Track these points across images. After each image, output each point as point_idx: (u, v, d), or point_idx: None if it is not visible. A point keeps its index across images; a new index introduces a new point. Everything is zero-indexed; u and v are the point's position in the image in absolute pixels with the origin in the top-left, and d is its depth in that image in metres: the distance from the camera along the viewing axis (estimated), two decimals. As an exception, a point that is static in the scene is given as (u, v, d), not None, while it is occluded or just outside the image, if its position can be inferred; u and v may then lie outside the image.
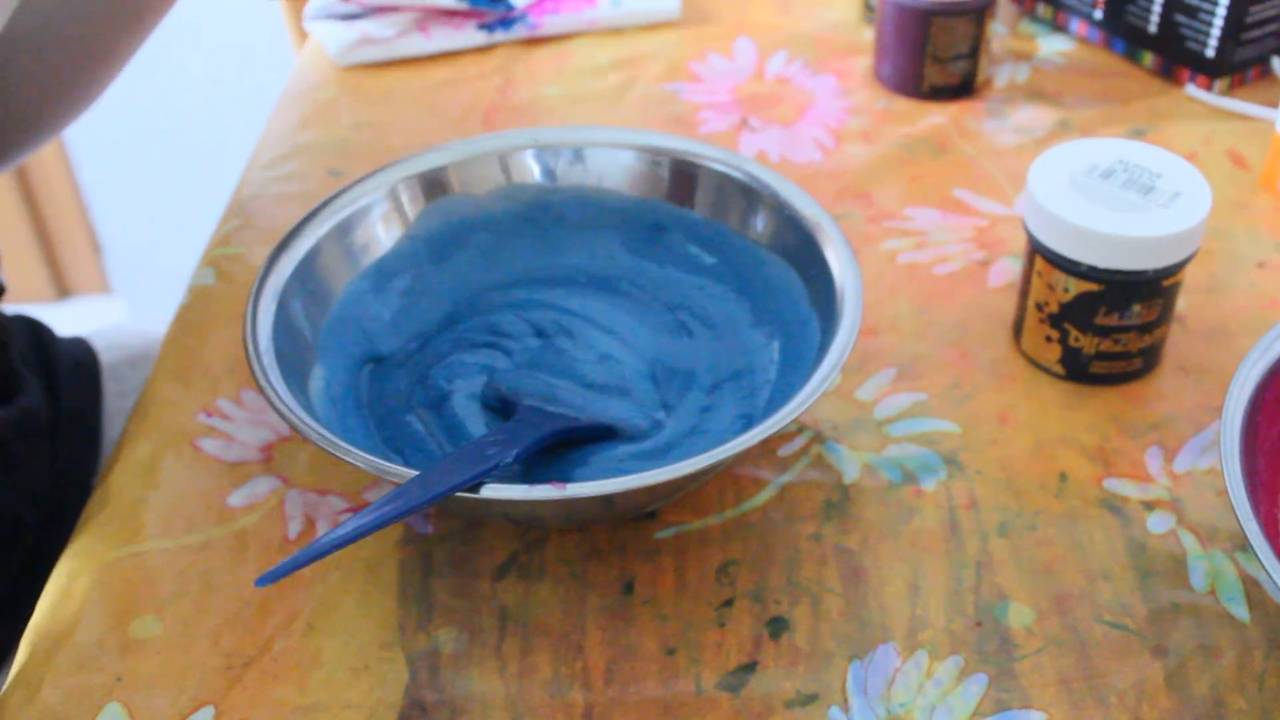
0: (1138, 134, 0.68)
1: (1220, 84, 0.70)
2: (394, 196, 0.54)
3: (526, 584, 0.46)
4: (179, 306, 0.59)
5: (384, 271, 0.54)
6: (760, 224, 0.53)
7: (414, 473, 0.41)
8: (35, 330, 0.70)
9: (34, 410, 0.62)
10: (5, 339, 0.63)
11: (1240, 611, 0.44)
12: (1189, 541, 0.47)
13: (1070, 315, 0.51)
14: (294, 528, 0.49)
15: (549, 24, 0.78)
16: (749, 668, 0.43)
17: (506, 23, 0.78)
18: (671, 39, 0.78)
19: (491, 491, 0.41)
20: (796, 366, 0.49)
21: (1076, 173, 0.51)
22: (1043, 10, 0.77)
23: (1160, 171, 0.51)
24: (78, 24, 0.60)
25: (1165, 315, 0.51)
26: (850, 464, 0.50)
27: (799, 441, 0.51)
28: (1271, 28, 0.69)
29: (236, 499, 0.50)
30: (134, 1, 0.60)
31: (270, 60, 1.20)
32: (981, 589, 0.45)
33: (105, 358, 0.72)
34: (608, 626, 0.45)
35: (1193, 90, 0.70)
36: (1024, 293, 0.53)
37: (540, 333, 0.53)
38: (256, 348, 0.46)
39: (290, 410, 0.44)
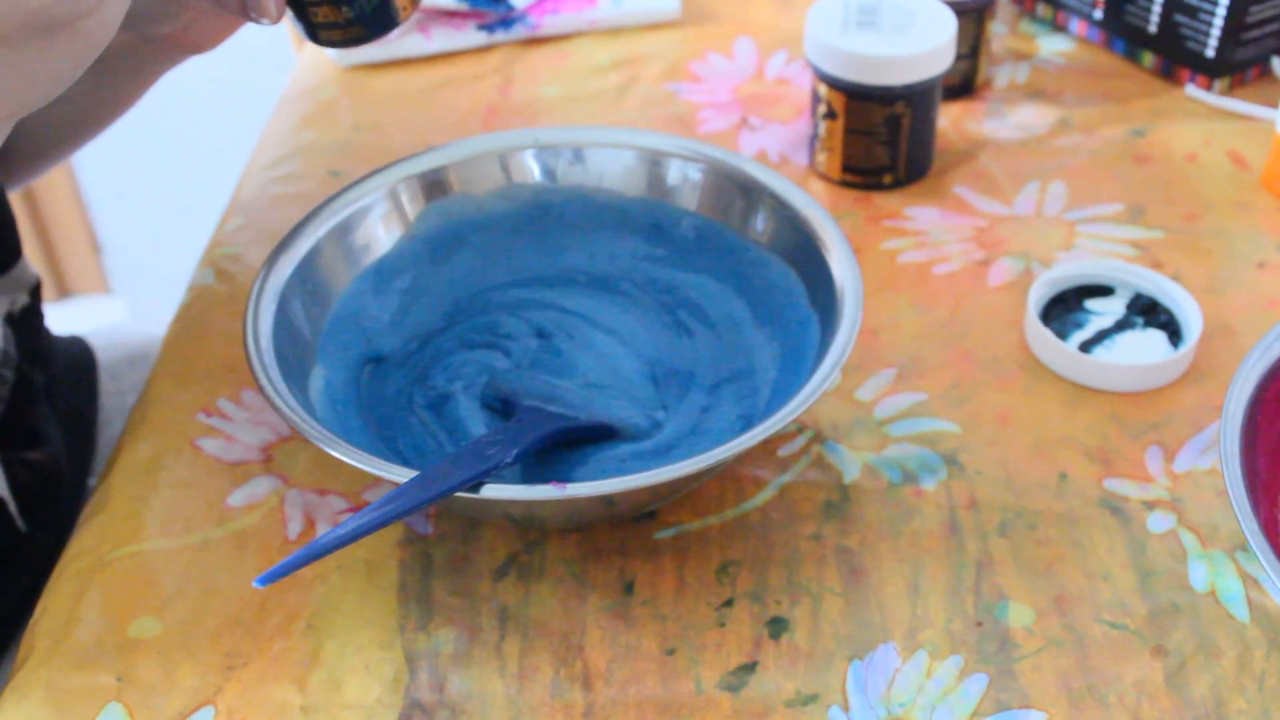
0: (1138, 134, 0.68)
1: (1220, 84, 0.70)
2: (394, 196, 0.54)
3: (526, 584, 0.46)
4: (179, 306, 0.59)
5: (384, 271, 0.54)
6: (760, 224, 0.53)
7: (414, 473, 0.41)
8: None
9: (55, 457, 0.61)
10: (32, 392, 0.59)
11: (1240, 611, 0.44)
12: (1189, 541, 0.47)
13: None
14: (294, 528, 0.49)
15: (549, 24, 0.78)
16: (749, 668, 0.43)
17: (506, 23, 0.78)
18: (671, 39, 0.78)
19: (491, 491, 0.41)
20: (796, 366, 0.49)
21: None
22: (1043, 10, 0.77)
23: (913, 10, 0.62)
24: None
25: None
26: (850, 464, 0.50)
27: (799, 441, 0.51)
28: (1271, 28, 0.69)
29: (236, 499, 0.50)
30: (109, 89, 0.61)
31: (271, 60, 1.20)
32: (981, 589, 0.45)
33: (103, 356, 0.72)
34: (608, 626, 0.45)
35: (1193, 90, 0.70)
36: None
37: (540, 333, 0.53)
38: (256, 348, 0.46)
39: (290, 410, 0.44)
